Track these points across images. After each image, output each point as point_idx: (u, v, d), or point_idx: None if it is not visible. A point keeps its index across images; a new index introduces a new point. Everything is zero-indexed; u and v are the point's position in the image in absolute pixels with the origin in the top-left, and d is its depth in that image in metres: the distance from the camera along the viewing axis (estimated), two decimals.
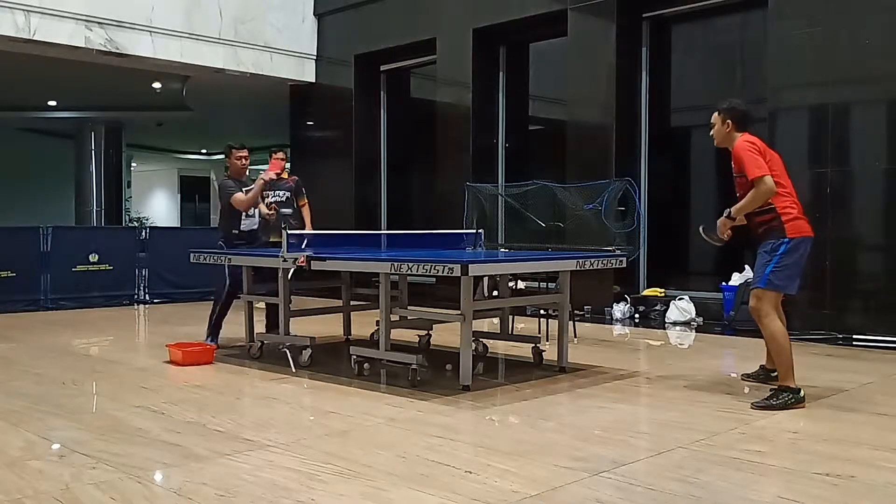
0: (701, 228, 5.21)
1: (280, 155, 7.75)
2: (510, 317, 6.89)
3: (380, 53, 12.19)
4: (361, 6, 12.12)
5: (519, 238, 8.79)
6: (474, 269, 5.19)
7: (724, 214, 4.99)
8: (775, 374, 5.04)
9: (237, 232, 7.20)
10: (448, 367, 5.95)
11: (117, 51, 10.64)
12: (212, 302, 7.24)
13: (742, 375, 5.61)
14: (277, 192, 7.72)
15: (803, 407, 4.78)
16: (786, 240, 4.84)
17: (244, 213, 7.22)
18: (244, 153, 7.34)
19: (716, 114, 5.16)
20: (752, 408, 4.76)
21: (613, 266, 6.37)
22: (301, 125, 13.47)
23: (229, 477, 3.51)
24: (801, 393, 4.81)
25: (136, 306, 10.97)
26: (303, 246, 6.16)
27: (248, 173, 7.47)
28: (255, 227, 7.33)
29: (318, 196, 12.78)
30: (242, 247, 7.11)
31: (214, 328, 7.08)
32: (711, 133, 5.21)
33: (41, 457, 3.89)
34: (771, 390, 4.89)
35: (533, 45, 11.09)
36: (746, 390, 5.26)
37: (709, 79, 9.61)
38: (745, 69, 9.25)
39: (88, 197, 18.05)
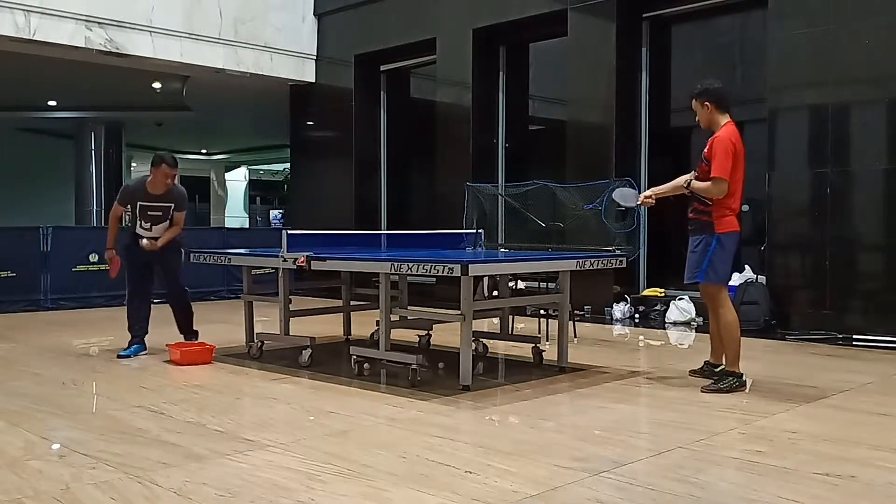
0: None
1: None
2: (510, 317, 6.89)
3: (380, 53, 12.18)
4: (361, 6, 12.12)
5: (519, 238, 8.77)
6: (474, 269, 5.19)
7: (684, 184, 5.41)
8: (718, 368, 5.44)
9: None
10: (441, 365, 6.01)
11: (117, 51, 10.63)
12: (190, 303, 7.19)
13: (690, 372, 5.80)
14: None
15: (745, 391, 5.22)
16: (717, 236, 5.24)
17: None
18: (174, 173, 6.62)
19: (693, 100, 5.45)
20: (701, 391, 5.19)
21: (613, 266, 6.37)
22: (301, 125, 13.46)
23: (229, 477, 3.51)
24: (744, 377, 5.27)
25: None
26: None
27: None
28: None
29: (318, 196, 12.94)
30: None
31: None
32: (697, 119, 5.51)
33: (41, 457, 3.89)
34: (715, 375, 5.34)
35: (533, 45, 11.09)
36: (746, 390, 5.26)
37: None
38: (745, 69, 9.24)
39: (88, 197, 18.05)
